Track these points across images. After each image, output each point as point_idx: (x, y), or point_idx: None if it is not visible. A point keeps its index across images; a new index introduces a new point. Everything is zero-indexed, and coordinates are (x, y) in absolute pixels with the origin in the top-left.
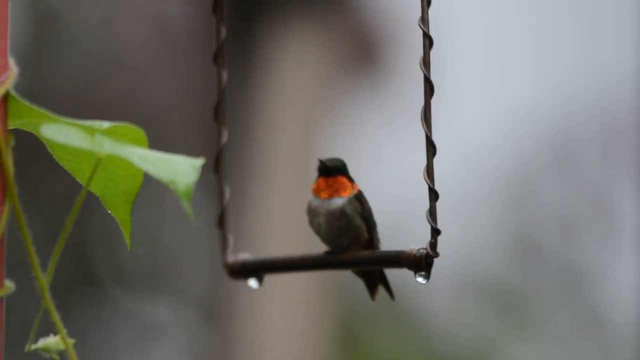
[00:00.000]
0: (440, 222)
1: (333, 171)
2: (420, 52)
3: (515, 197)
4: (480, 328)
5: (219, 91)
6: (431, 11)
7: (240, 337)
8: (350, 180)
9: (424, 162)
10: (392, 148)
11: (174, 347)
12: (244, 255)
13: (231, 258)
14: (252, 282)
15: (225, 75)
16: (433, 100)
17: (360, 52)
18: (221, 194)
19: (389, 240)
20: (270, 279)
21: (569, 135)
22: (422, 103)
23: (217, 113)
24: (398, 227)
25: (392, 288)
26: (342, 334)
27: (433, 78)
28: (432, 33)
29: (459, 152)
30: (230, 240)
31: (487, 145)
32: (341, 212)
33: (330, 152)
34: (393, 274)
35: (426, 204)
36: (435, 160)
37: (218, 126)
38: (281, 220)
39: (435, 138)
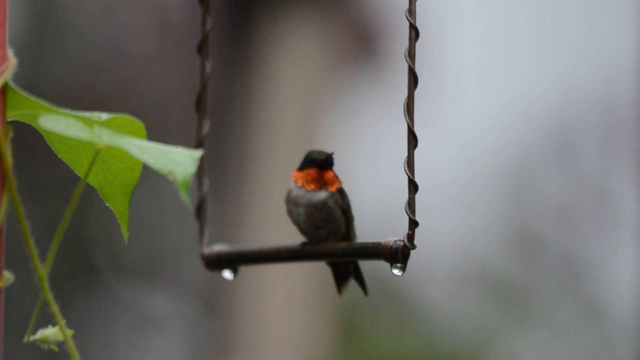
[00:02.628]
0: (440, 213)
1: (329, 166)
2: (420, 44)
3: (514, 188)
4: (479, 319)
5: (202, 81)
6: (431, 3)
7: (240, 328)
8: (336, 175)
9: (424, 155)
10: (390, 140)
11: (173, 338)
12: (220, 246)
13: (207, 249)
14: (227, 274)
15: (209, 66)
16: (433, 92)
17: (359, 44)
18: (200, 184)
19: (387, 233)
20: (270, 270)
21: (569, 126)
22: (423, 96)
23: (199, 103)
24: (397, 218)
25: (365, 283)
26: (342, 326)
27: (432, 69)
28: (432, 25)
29: (458, 144)
30: (207, 231)
31: (486, 137)
32: (324, 205)
33: (329, 144)
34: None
35: (423, 196)
36: (435, 151)
37: (199, 117)
38: (279, 214)
39: (435, 130)
